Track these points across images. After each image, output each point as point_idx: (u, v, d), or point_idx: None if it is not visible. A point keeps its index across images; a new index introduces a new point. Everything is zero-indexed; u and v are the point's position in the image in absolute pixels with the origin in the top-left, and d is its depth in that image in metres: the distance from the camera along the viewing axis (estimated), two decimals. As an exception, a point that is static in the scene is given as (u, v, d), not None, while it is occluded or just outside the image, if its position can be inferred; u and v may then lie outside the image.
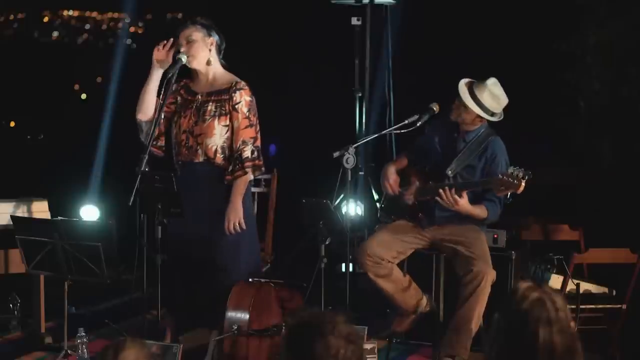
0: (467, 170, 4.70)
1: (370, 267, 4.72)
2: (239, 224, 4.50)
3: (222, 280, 4.52)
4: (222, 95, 4.59)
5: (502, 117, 4.73)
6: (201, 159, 4.56)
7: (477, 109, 4.66)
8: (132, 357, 2.46)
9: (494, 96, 4.67)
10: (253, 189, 5.26)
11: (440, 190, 4.55)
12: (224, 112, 4.57)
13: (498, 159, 4.66)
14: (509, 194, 4.44)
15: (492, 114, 4.68)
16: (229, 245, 4.55)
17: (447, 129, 4.85)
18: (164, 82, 4.59)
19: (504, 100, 4.70)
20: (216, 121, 4.56)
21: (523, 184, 4.31)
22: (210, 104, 4.59)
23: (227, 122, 4.57)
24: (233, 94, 4.57)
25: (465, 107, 4.67)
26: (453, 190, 4.52)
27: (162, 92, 4.55)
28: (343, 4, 6.24)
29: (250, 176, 4.62)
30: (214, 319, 4.48)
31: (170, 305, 4.58)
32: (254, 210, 5.08)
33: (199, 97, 4.62)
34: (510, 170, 4.35)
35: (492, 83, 4.67)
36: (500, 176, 4.42)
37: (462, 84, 4.70)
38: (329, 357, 2.19)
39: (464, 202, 4.54)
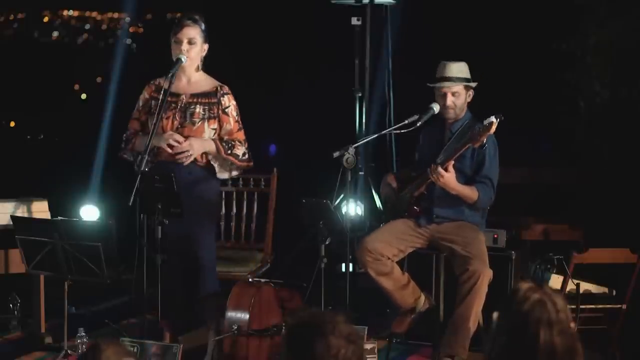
0: (456, 158, 4.70)
1: (370, 264, 4.73)
2: (189, 153, 4.51)
3: (206, 278, 4.57)
4: (210, 99, 4.63)
5: (474, 84, 4.82)
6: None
7: (463, 82, 4.77)
8: (113, 355, 2.45)
9: (458, 66, 4.80)
10: (252, 189, 5.29)
11: (428, 169, 4.59)
12: (212, 115, 4.62)
13: (487, 143, 4.69)
14: (485, 139, 4.50)
15: (458, 79, 4.77)
16: (207, 243, 4.60)
17: (436, 129, 4.94)
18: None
19: (464, 64, 4.82)
20: (206, 124, 4.61)
21: (495, 125, 4.41)
22: (198, 106, 4.61)
23: (215, 126, 4.64)
24: (221, 98, 4.64)
25: (454, 93, 4.78)
26: (438, 166, 4.56)
27: (163, 92, 4.54)
28: (343, 4, 6.24)
29: (235, 172, 4.71)
30: (204, 317, 4.51)
31: (165, 305, 4.58)
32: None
33: (183, 97, 4.62)
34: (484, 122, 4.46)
35: (447, 62, 4.82)
36: (475, 130, 4.53)
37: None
38: (329, 357, 2.19)
39: (449, 176, 4.57)
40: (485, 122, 4.45)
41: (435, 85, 4.82)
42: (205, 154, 4.61)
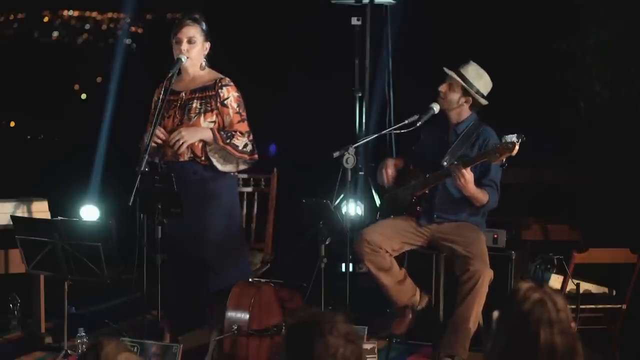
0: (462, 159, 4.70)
1: (368, 255, 4.72)
2: (180, 142, 4.47)
3: (212, 280, 4.54)
4: (207, 92, 4.59)
5: (487, 103, 4.76)
6: (186, 157, 4.55)
7: (460, 81, 4.72)
8: (113, 351, 2.47)
9: (478, 72, 4.76)
10: (252, 189, 5.28)
11: (451, 167, 4.56)
12: (209, 108, 4.57)
13: (491, 144, 4.68)
14: (505, 159, 4.47)
15: (477, 92, 4.73)
16: (216, 245, 4.56)
17: (439, 128, 4.92)
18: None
19: (487, 79, 4.79)
20: (202, 118, 4.56)
21: (517, 146, 4.37)
22: (195, 101, 4.58)
23: (214, 119, 4.58)
24: (219, 90, 4.58)
25: (450, 85, 4.75)
26: (461, 167, 4.54)
27: (163, 92, 4.54)
28: (343, 4, 6.24)
29: (242, 166, 4.64)
30: (208, 319, 4.50)
31: (165, 305, 4.57)
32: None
33: (183, 95, 4.62)
34: (503, 139, 4.42)
35: (475, 64, 4.78)
36: (495, 145, 4.50)
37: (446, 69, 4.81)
38: (327, 357, 2.19)
39: (470, 179, 4.55)
40: (507, 140, 4.39)
41: (446, 70, 4.81)
42: (205, 148, 4.57)
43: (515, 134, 4.38)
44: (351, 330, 2.25)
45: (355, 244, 4.78)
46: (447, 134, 4.86)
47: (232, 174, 4.69)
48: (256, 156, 4.64)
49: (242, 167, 4.67)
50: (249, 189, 5.28)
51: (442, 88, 4.79)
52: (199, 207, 4.51)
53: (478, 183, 4.66)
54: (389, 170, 4.96)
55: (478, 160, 4.58)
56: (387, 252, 4.75)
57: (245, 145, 4.58)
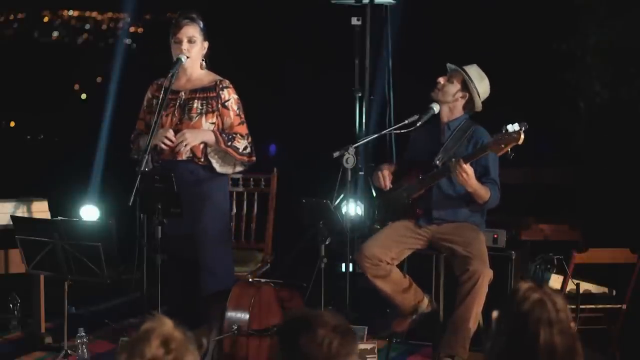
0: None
1: (369, 269, 4.71)
2: (184, 144, 4.48)
3: (205, 279, 4.53)
4: (208, 93, 4.60)
5: (480, 109, 4.76)
6: (184, 156, 4.55)
7: (462, 73, 4.72)
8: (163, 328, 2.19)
9: (480, 74, 4.76)
10: (252, 189, 5.28)
11: (450, 163, 4.53)
12: (210, 109, 4.58)
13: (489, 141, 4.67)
14: (510, 149, 4.42)
15: (475, 89, 4.72)
16: (210, 245, 4.56)
17: (431, 127, 4.88)
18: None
19: (487, 84, 4.78)
20: (203, 119, 4.57)
21: (522, 135, 4.33)
22: (196, 101, 4.58)
23: (214, 120, 4.59)
24: (220, 92, 4.59)
25: (450, 77, 4.75)
26: (461, 161, 4.51)
27: (163, 92, 4.54)
28: (343, 4, 6.24)
29: (239, 167, 4.65)
30: (205, 319, 4.50)
31: (166, 305, 4.57)
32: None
33: (182, 94, 4.61)
34: (505, 129, 4.37)
35: (478, 67, 4.78)
36: (497, 136, 4.43)
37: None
38: (316, 349, 2.17)
39: (472, 174, 4.52)
40: (510, 130, 4.34)
41: (449, 64, 4.83)
42: (205, 149, 4.58)
43: (517, 123, 4.34)
44: (341, 323, 2.23)
45: (355, 259, 4.78)
46: (440, 132, 4.85)
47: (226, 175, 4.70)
48: (254, 158, 4.65)
49: (238, 168, 4.69)
50: (249, 189, 5.29)
51: (441, 79, 4.79)
52: (194, 207, 4.51)
53: (479, 182, 4.65)
54: (385, 172, 4.93)
55: (479, 155, 4.57)
56: (387, 263, 4.73)
57: (245, 148, 4.60)
